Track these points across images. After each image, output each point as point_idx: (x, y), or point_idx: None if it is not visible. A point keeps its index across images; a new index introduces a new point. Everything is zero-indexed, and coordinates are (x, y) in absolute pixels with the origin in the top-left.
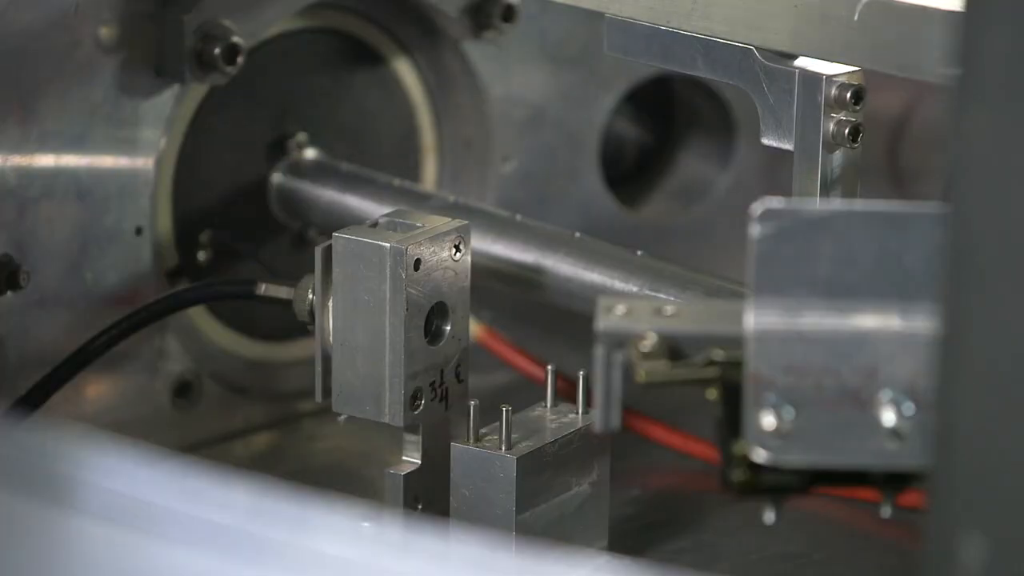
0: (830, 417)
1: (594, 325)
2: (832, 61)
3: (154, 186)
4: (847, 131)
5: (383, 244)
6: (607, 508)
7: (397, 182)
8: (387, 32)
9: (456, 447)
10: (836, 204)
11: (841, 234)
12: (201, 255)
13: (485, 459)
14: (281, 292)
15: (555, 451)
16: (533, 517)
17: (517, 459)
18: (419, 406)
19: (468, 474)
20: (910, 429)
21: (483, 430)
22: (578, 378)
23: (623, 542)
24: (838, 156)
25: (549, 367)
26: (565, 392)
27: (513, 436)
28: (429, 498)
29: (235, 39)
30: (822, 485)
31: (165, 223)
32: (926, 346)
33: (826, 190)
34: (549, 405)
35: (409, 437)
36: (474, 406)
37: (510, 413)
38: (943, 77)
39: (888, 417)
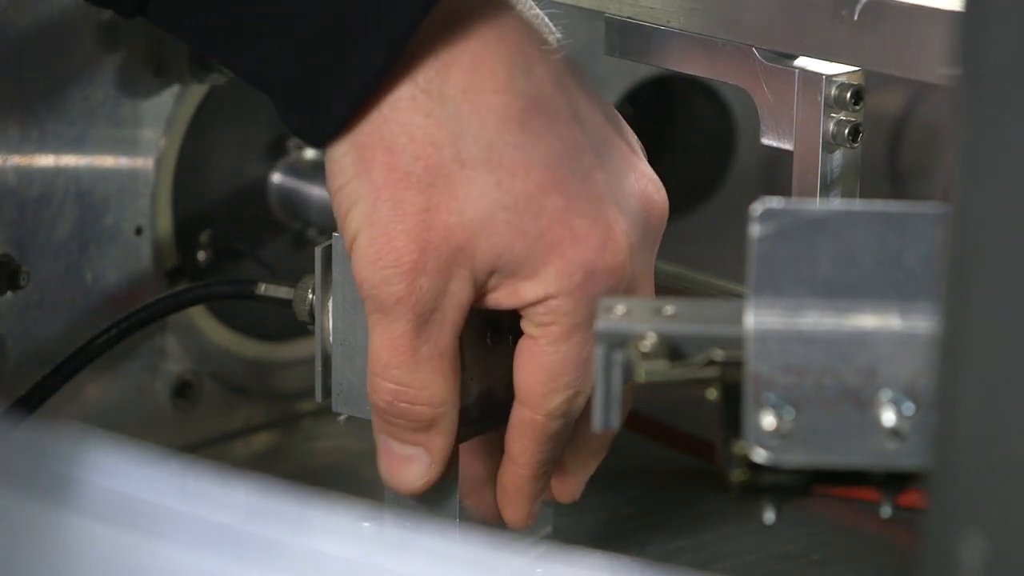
0: (830, 417)
1: (594, 325)
2: (832, 61)
3: (154, 186)
4: (847, 131)
5: None
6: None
7: None
8: None
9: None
10: (836, 204)
11: (841, 234)
12: (201, 255)
13: None
14: (281, 292)
15: None
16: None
17: None
18: None
19: None
20: (910, 429)
21: None
22: None
23: (623, 542)
24: (838, 156)
25: None
26: None
27: None
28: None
29: None
30: (822, 485)
31: (165, 223)
32: (926, 346)
33: (826, 190)
34: None
35: None
36: None
37: None
38: (943, 77)
39: (888, 417)
